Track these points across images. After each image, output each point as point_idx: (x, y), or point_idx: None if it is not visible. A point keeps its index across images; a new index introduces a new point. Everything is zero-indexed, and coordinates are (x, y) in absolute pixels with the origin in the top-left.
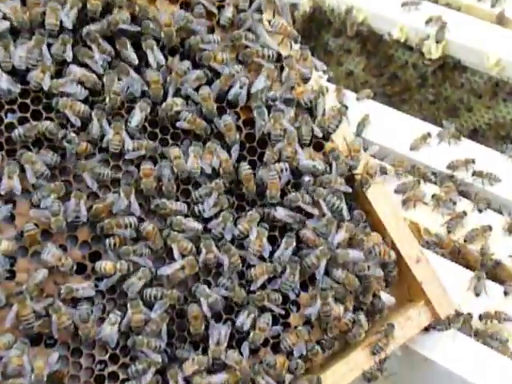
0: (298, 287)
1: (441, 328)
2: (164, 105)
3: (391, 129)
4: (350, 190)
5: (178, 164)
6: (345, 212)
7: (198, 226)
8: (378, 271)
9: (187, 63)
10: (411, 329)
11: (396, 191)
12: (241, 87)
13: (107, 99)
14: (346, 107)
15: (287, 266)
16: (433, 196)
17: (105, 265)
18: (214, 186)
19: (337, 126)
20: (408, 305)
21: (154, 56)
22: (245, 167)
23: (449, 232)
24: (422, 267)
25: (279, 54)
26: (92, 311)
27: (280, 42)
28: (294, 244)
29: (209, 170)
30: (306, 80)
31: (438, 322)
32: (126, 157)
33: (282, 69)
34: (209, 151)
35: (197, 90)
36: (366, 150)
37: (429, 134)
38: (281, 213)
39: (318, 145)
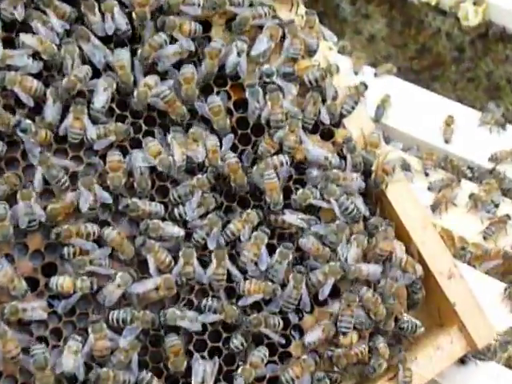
0: (308, 303)
1: (479, 360)
2: (136, 94)
3: (418, 113)
4: (363, 186)
5: (161, 159)
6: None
7: (180, 231)
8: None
9: (164, 35)
10: (441, 361)
11: (429, 189)
12: (239, 54)
13: (64, 82)
14: (366, 86)
15: (290, 279)
16: (470, 196)
17: (62, 281)
18: (195, 182)
19: (352, 108)
20: (438, 331)
21: (115, 20)
22: (229, 155)
23: (484, 238)
24: (456, 285)
25: (279, 19)
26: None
27: (280, 2)
28: (291, 257)
29: (198, 161)
30: (311, 53)
31: (474, 352)
32: (95, 147)
33: (282, 38)
34: (193, 139)
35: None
36: (386, 141)
37: (450, 118)
38: (291, 217)
39: (326, 132)
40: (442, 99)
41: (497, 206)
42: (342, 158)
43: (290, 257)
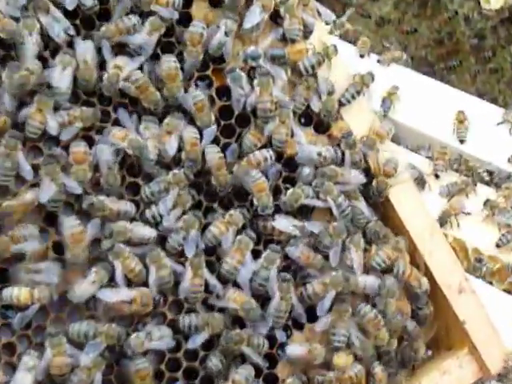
0: (303, 314)
1: None
2: (105, 77)
3: (431, 108)
4: (364, 180)
5: (130, 140)
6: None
7: (151, 233)
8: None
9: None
10: None
11: (441, 194)
12: (226, 34)
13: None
14: (373, 76)
15: (275, 290)
16: (485, 203)
17: (17, 293)
18: (171, 178)
19: (353, 98)
20: (446, 353)
21: None
22: (211, 149)
23: (498, 246)
24: (466, 301)
25: None
26: None
27: None
28: (278, 262)
29: (171, 154)
30: (306, 34)
31: (487, 377)
32: (62, 137)
33: (272, 16)
34: (166, 131)
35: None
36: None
37: (461, 114)
38: (282, 222)
39: (321, 124)
40: (458, 93)
41: None
42: (341, 153)
43: (278, 262)
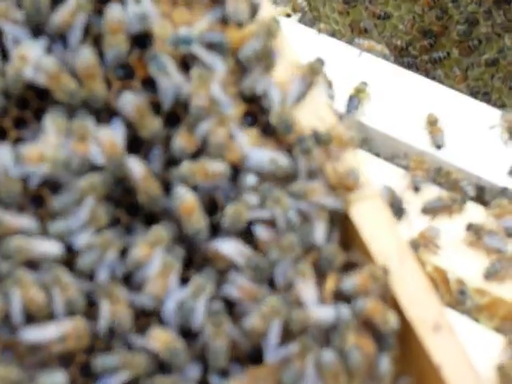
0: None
1: None
2: (9, 70)
3: (410, 108)
4: (340, 206)
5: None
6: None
7: (55, 249)
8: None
9: None
10: None
11: (424, 211)
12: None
13: None
14: (322, 62)
15: (205, 325)
16: (469, 227)
17: None
18: (85, 186)
19: (302, 94)
20: None
21: None
22: (133, 163)
23: (486, 278)
24: (443, 341)
25: None
26: None
27: None
28: (210, 289)
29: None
30: (252, 15)
31: None
32: None
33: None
34: (79, 137)
35: None
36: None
37: (432, 116)
38: (227, 247)
39: (267, 123)
40: (444, 90)
41: (511, 235)
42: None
43: (209, 290)
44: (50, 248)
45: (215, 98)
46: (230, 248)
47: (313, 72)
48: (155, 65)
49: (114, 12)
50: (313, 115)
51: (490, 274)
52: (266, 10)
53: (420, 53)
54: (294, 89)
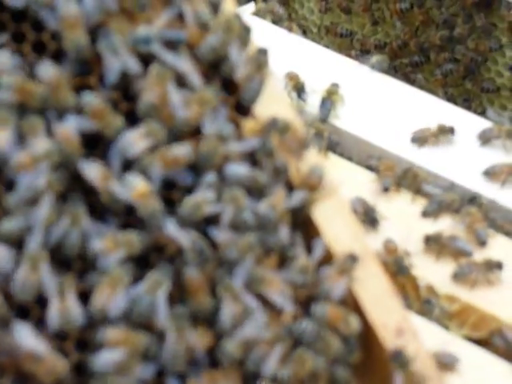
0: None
1: None
2: None
3: (385, 112)
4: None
5: None
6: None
7: None
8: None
9: None
10: None
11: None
12: None
13: None
14: (265, 52)
15: (167, 326)
16: (427, 240)
17: None
18: (43, 183)
19: (256, 93)
20: None
21: None
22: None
23: (455, 277)
24: (406, 346)
25: None
26: None
27: None
28: (167, 286)
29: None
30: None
31: None
32: None
33: None
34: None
35: None
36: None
37: (450, 131)
38: (173, 228)
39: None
40: (421, 94)
41: (483, 243)
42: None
43: (165, 286)
44: None
45: (171, 101)
46: (175, 229)
47: (260, 64)
48: (105, 42)
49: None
50: (272, 111)
51: (458, 277)
52: (230, 6)
53: (398, 54)
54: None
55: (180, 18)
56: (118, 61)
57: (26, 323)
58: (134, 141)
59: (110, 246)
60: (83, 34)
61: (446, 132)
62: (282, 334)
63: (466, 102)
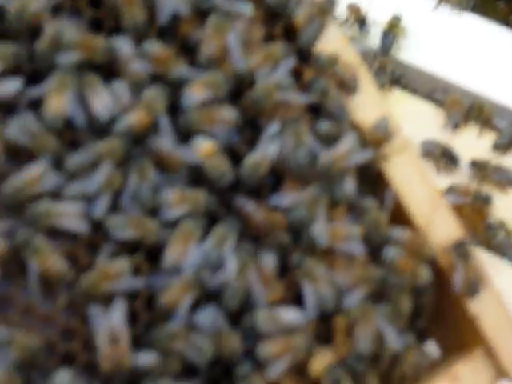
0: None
1: None
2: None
3: (447, 43)
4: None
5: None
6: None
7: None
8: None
9: None
10: None
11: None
12: None
13: None
14: (332, 2)
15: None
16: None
17: None
18: (102, 148)
19: (315, 36)
20: (455, 355)
21: None
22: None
23: None
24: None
25: None
26: None
27: None
28: (234, 238)
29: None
30: None
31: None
32: None
33: None
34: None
35: None
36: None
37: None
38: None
39: None
40: (483, 23)
41: None
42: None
43: (233, 239)
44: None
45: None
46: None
47: (324, 11)
48: None
49: None
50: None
51: None
52: None
53: None
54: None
55: None
56: (169, 1)
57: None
58: (194, 90)
59: (177, 199)
60: None
61: None
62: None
63: None
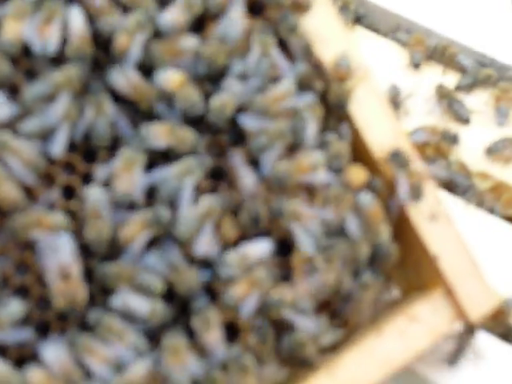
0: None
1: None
2: None
3: None
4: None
5: None
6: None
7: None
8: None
9: None
10: (418, 338)
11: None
12: None
13: None
14: None
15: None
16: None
17: None
18: (59, 78)
19: None
20: (415, 296)
21: None
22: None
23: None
24: (440, 230)
25: None
26: None
27: None
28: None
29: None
30: None
31: (467, 326)
32: None
33: None
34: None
35: None
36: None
37: None
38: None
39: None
40: None
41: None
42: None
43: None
44: None
45: None
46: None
47: None
48: None
49: None
50: None
51: (491, 152)
52: None
53: None
54: None
55: None
56: None
57: None
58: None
59: (161, 132)
60: None
61: None
62: None
63: None
